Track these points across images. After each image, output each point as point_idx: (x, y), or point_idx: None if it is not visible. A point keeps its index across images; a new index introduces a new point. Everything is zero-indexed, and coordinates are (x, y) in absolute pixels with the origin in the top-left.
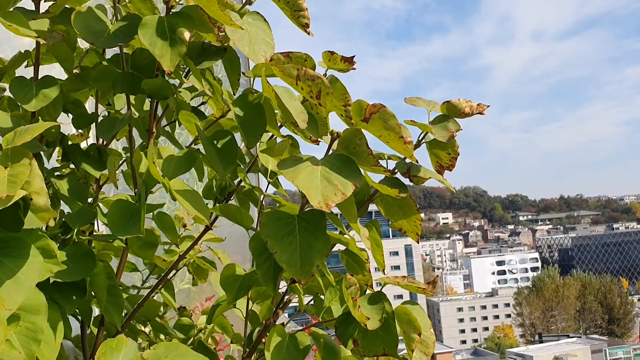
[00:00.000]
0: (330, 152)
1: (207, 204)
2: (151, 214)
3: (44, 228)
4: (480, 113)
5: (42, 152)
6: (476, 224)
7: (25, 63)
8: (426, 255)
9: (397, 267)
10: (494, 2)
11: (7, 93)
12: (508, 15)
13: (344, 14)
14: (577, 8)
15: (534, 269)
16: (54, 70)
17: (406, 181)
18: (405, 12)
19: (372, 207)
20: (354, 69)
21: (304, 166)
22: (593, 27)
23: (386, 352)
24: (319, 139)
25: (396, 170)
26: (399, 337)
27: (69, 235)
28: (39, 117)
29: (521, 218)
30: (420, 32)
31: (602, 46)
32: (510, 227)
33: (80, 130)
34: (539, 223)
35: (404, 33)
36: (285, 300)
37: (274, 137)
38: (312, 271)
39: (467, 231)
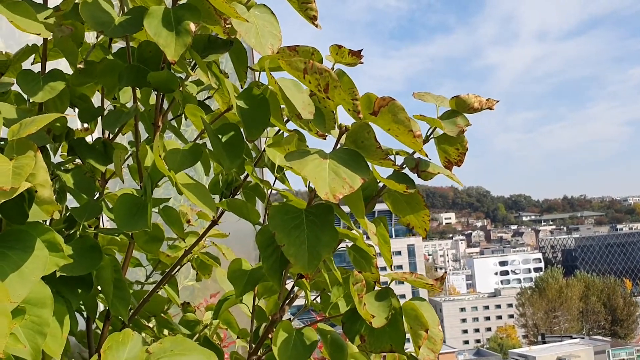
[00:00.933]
0: (339, 146)
1: (213, 198)
2: (156, 208)
3: (48, 223)
4: (490, 108)
5: (48, 146)
6: (479, 224)
7: (32, 59)
8: (429, 255)
9: (400, 267)
10: (498, 2)
11: (14, 88)
12: (512, 16)
13: (347, 14)
14: (581, 8)
15: (537, 270)
16: (61, 66)
17: (414, 177)
18: (408, 12)
19: (376, 207)
20: (362, 62)
21: (311, 158)
22: (597, 27)
23: (393, 349)
24: (327, 134)
25: (404, 166)
26: (407, 334)
27: (73, 230)
28: (46, 111)
29: (524, 218)
30: (423, 32)
31: (606, 46)
32: (514, 227)
33: (85, 125)
34: (542, 223)
35: (407, 33)
36: (292, 295)
37: (281, 131)
38: (318, 266)
39: (469, 231)
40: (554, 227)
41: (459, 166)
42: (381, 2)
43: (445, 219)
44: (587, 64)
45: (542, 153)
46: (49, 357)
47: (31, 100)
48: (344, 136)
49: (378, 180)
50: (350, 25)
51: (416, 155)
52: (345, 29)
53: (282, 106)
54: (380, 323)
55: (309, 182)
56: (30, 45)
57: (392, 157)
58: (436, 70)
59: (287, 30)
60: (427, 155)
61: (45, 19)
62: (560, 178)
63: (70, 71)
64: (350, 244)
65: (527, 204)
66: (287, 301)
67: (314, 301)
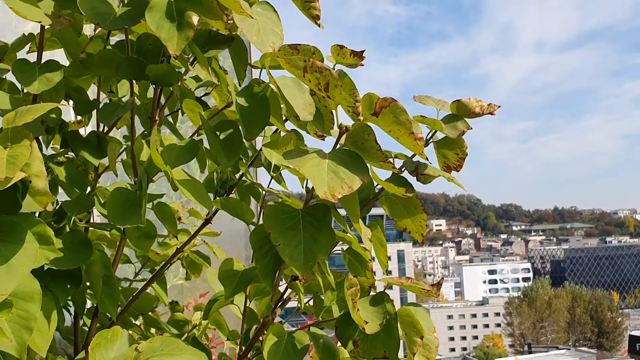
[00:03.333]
0: (338, 146)
1: (209, 196)
2: (148, 204)
3: (37, 215)
4: (491, 113)
5: (40, 138)
6: (469, 232)
7: (27, 49)
8: (418, 261)
9: (390, 272)
10: (497, 12)
11: (9, 77)
12: (510, 26)
13: (347, 19)
14: (579, 21)
15: (525, 279)
16: (56, 57)
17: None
18: (407, 18)
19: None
20: (362, 64)
21: (310, 157)
22: (594, 40)
23: (387, 356)
24: (325, 135)
25: (403, 169)
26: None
27: (62, 224)
28: (41, 102)
29: (514, 228)
30: (422, 39)
31: (603, 59)
32: (503, 236)
33: (79, 117)
34: (532, 233)
35: (406, 40)
36: (284, 298)
37: (279, 131)
38: (312, 269)
39: (459, 239)
40: (543, 237)
41: (457, 171)
42: (380, 8)
43: (436, 225)
44: (584, 76)
45: (535, 164)
46: (34, 353)
47: (25, 91)
48: (343, 137)
49: (375, 183)
50: (349, 30)
51: (415, 159)
52: (344, 33)
53: (281, 105)
54: (374, 329)
55: (307, 182)
56: (27, 34)
57: (390, 160)
58: (434, 77)
59: (286, 32)
60: (427, 159)
61: (41, 2)
62: (551, 189)
63: (65, 62)
64: (344, 247)
65: (518, 213)
66: (280, 304)
67: (307, 304)
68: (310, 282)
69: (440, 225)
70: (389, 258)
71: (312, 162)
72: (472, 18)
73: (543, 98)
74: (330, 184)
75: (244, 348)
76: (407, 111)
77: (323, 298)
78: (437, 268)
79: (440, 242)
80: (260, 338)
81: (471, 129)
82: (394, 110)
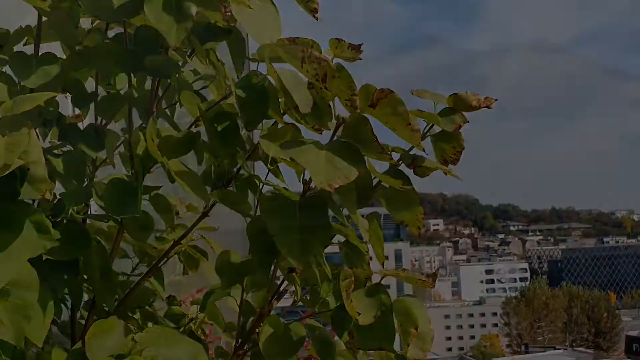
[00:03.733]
0: (335, 138)
1: (206, 188)
2: (146, 196)
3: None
4: (488, 107)
5: (37, 131)
6: (466, 231)
7: (24, 41)
8: (415, 261)
9: None
10: (494, 13)
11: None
12: (507, 27)
13: (343, 18)
14: (577, 22)
15: (522, 279)
16: (53, 50)
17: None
18: (405, 19)
19: (365, 210)
20: (360, 59)
21: (308, 148)
22: (592, 41)
23: (382, 347)
24: (323, 128)
25: (400, 162)
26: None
27: (60, 218)
28: None
29: (512, 228)
30: (419, 40)
31: (601, 61)
32: (501, 236)
33: (77, 112)
34: (530, 234)
35: (403, 40)
36: (281, 289)
37: (276, 124)
38: (309, 261)
39: (457, 239)
40: (541, 237)
41: (454, 165)
42: (377, 8)
43: (433, 225)
44: (582, 77)
45: (532, 164)
46: (30, 344)
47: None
48: (340, 128)
49: (373, 176)
50: (346, 29)
51: (413, 152)
52: (341, 33)
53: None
54: (367, 320)
55: (304, 174)
56: (23, 26)
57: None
58: (431, 77)
59: (283, 30)
60: (424, 150)
61: None
62: (549, 189)
63: (62, 55)
64: (342, 240)
65: (515, 213)
66: (276, 296)
67: (303, 297)
68: (306, 275)
69: (438, 225)
70: (386, 257)
71: (309, 153)
72: (468, 19)
73: (541, 98)
74: (327, 174)
75: (240, 340)
76: (404, 102)
77: (319, 290)
78: (434, 268)
79: (438, 241)
80: (257, 330)
81: (468, 122)
82: (391, 101)
